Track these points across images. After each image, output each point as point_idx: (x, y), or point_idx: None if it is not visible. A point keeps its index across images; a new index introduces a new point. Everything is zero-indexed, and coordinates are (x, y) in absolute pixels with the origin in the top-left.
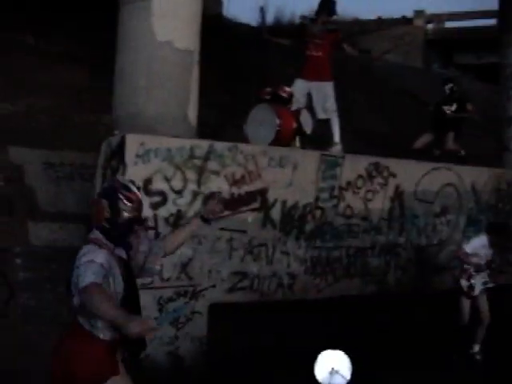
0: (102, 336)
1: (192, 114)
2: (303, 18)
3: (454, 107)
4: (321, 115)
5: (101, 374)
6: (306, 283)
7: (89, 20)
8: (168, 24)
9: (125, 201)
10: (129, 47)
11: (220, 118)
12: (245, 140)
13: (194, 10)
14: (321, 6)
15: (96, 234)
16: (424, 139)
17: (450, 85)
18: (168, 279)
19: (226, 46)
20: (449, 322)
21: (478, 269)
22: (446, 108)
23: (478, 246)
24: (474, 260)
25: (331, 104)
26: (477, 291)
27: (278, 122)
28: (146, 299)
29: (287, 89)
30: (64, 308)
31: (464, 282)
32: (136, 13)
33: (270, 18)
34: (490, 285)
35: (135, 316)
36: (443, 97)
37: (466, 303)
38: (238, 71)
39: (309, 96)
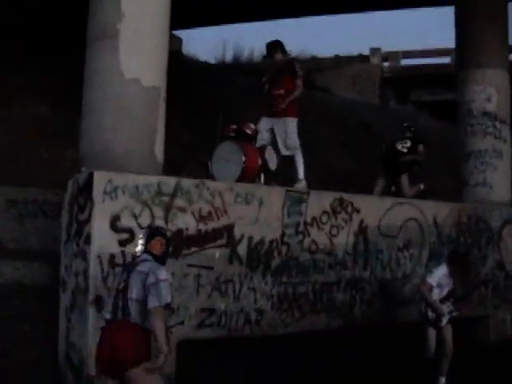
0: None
1: (159, 150)
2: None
3: (408, 144)
4: (284, 152)
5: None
6: (273, 319)
7: (52, 56)
8: (135, 61)
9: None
10: (96, 84)
11: (181, 155)
12: (207, 177)
13: (160, 48)
14: (270, 49)
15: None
16: (379, 187)
17: (406, 124)
18: None
19: (185, 82)
20: (415, 354)
21: (442, 299)
22: (399, 146)
23: (441, 276)
24: (437, 293)
25: (293, 141)
26: (444, 321)
27: (243, 158)
28: None
29: (252, 126)
30: (27, 346)
31: (430, 314)
32: (104, 50)
33: (228, 56)
34: (456, 313)
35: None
36: (399, 136)
37: (432, 335)
38: (198, 108)
39: (272, 132)
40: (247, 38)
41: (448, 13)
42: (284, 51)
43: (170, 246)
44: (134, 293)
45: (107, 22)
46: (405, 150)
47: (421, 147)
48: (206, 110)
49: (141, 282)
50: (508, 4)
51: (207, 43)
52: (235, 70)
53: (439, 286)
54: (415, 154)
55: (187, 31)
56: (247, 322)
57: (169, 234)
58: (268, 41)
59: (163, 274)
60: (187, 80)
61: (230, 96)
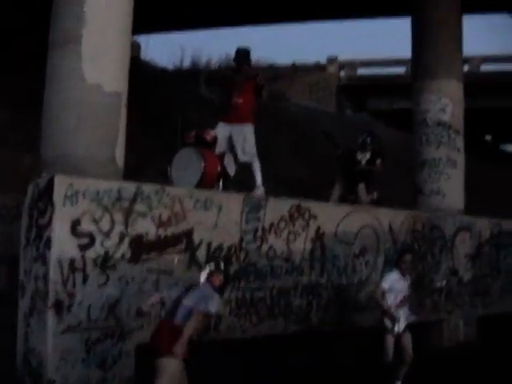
0: None
1: (119, 156)
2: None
3: (367, 156)
4: (242, 158)
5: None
6: (231, 323)
7: (12, 60)
8: (97, 67)
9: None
10: (58, 89)
11: (138, 160)
12: (167, 182)
13: (122, 54)
14: (240, 57)
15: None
16: (335, 195)
17: (366, 136)
18: (95, 320)
19: (143, 88)
20: (371, 360)
21: (398, 305)
22: (359, 156)
23: (393, 280)
24: (391, 298)
25: (251, 147)
26: (401, 327)
27: (203, 165)
28: (74, 340)
29: (211, 132)
30: None
31: (387, 321)
32: (66, 56)
33: (186, 63)
34: (413, 318)
35: None
36: (358, 144)
37: (390, 342)
38: (155, 114)
39: (230, 139)
40: (205, 45)
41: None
42: (250, 62)
43: (228, 280)
44: (190, 300)
45: (70, 27)
46: (363, 162)
47: (379, 161)
48: (163, 115)
49: (199, 294)
50: (463, 15)
51: (165, 49)
52: (192, 77)
53: (392, 290)
54: (373, 166)
55: (146, 36)
56: (205, 326)
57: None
58: (239, 47)
59: (217, 297)
60: (145, 86)
61: (186, 102)
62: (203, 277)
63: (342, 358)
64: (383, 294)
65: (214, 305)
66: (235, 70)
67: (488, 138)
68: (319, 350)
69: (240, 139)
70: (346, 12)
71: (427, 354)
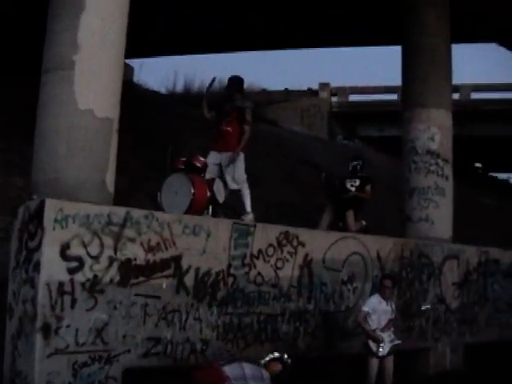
0: None
1: (110, 181)
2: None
3: (357, 183)
4: (231, 185)
5: None
6: (218, 348)
7: (2, 81)
8: (89, 92)
9: None
10: (50, 114)
11: (129, 185)
12: (156, 208)
13: (114, 80)
14: (232, 85)
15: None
16: (324, 222)
17: (355, 162)
18: (83, 344)
19: (135, 111)
20: None
21: (382, 328)
22: (348, 184)
23: (373, 303)
24: (375, 322)
25: (240, 174)
26: (386, 350)
27: (192, 191)
28: (61, 364)
29: (201, 158)
30: None
31: (372, 344)
32: (58, 80)
33: (179, 86)
34: (397, 342)
35: None
36: (348, 171)
37: (374, 365)
38: (147, 138)
39: (220, 167)
40: (198, 70)
41: (397, 52)
42: (243, 90)
43: (287, 370)
44: (249, 378)
45: (63, 53)
46: (353, 189)
47: (368, 187)
48: (154, 139)
49: (257, 376)
50: (452, 45)
51: (158, 73)
52: (185, 101)
53: (375, 313)
54: (362, 193)
55: (139, 60)
56: (192, 351)
57: (289, 361)
58: (232, 75)
59: None
60: (137, 109)
61: (179, 127)
62: (266, 359)
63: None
64: (365, 317)
65: None
66: (227, 97)
67: (478, 165)
68: (306, 375)
69: (230, 168)
70: (337, 40)
71: (412, 380)
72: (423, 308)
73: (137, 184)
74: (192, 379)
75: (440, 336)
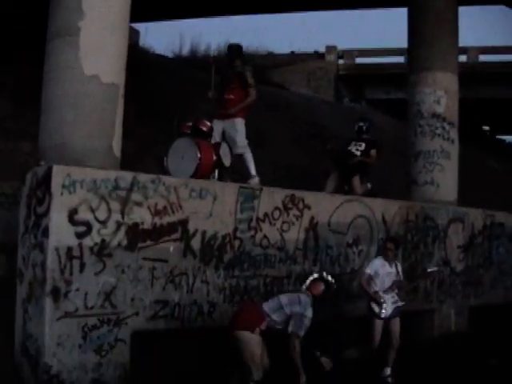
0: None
1: (116, 146)
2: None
3: (362, 147)
4: (234, 150)
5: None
6: (225, 311)
7: (12, 48)
8: (95, 58)
9: None
10: (56, 80)
11: (136, 149)
12: (163, 172)
13: (120, 45)
14: (233, 52)
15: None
16: (330, 186)
17: (361, 123)
18: (92, 307)
19: (141, 76)
20: (361, 346)
21: (385, 290)
22: (353, 147)
23: (376, 266)
24: (378, 284)
25: (241, 140)
26: (389, 311)
27: (198, 155)
28: (71, 327)
29: (207, 123)
30: None
31: (375, 305)
32: (63, 47)
33: (185, 50)
34: (400, 303)
35: None
36: (354, 132)
37: (378, 326)
38: (153, 102)
39: (223, 134)
40: (204, 33)
41: (404, 13)
42: (243, 58)
43: (331, 288)
44: (288, 309)
45: (68, 19)
46: (358, 153)
47: (373, 152)
48: (161, 104)
49: (294, 301)
50: (458, 8)
51: (164, 36)
52: (192, 65)
53: (377, 275)
54: (368, 157)
55: (145, 24)
56: (200, 313)
57: (330, 279)
58: (231, 42)
59: (309, 312)
60: (143, 74)
61: (185, 91)
62: (307, 283)
63: (334, 343)
64: (368, 279)
65: (303, 328)
66: (227, 65)
67: (485, 128)
68: (313, 337)
69: (232, 133)
70: (343, 2)
71: (418, 342)
72: (429, 270)
73: (145, 148)
74: (233, 322)
75: (445, 298)
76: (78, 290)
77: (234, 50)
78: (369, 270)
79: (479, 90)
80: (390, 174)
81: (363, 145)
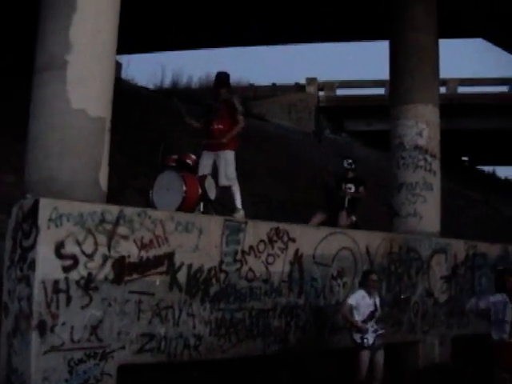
0: None
1: (103, 179)
2: (206, 102)
3: (352, 189)
4: (223, 182)
5: None
6: (211, 344)
7: None
8: (82, 92)
9: None
10: (43, 113)
11: (118, 182)
12: (148, 205)
13: (107, 78)
14: (220, 81)
15: None
16: (317, 219)
17: (350, 161)
18: (78, 341)
19: (123, 108)
20: (347, 378)
21: (364, 320)
22: (346, 187)
23: (358, 297)
24: (357, 316)
25: (231, 171)
26: (370, 340)
27: (184, 188)
28: (57, 361)
29: (193, 156)
30: None
31: (357, 335)
32: (51, 80)
33: (166, 82)
34: (381, 331)
35: None
36: (342, 173)
37: (365, 357)
38: (135, 134)
39: (214, 165)
40: (186, 65)
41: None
42: (229, 86)
43: None
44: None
45: (55, 52)
46: (351, 190)
47: (362, 189)
48: (141, 136)
49: None
50: (438, 40)
51: (146, 69)
52: (173, 97)
53: (358, 307)
54: (357, 193)
55: (127, 56)
56: (186, 347)
57: None
58: (219, 71)
59: None
60: (125, 106)
61: (166, 122)
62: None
63: (320, 377)
64: (350, 309)
65: None
66: (213, 94)
67: (464, 159)
68: (297, 369)
69: (222, 164)
70: (324, 35)
71: (403, 373)
72: (402, 296)
73: (125, 181)
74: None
75: (429, 329)
76: (64, 323)
77: (222, 78)
78: (351, 301)
79: (458, 121)
80: (372, 206)
81: (353, 187)
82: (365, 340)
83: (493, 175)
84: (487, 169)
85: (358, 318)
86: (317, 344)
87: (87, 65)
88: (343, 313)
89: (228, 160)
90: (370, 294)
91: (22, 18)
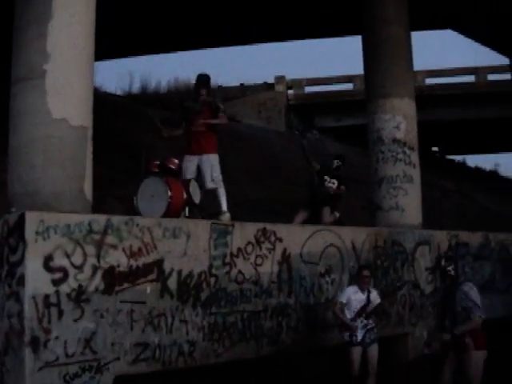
0: None
1: (88, 189)
2: (185, 101)
3: (335, 184)
4: (209, 185)
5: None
6: (205, 349)
7: None
8: (62, 101)
9: None
10: (23, 125)
11: (96, 189)
12: (133, 211)
13: (86, 86)
14: (200, 82)
15: None
16: (300, 218)
17: (340, 162)
18: (72, 355)
19: (95, 115)
20: (341, 375)
21: (354, 316)
22: (328, 183)
23: (350, 293)
24: (346, 314)
25: (217, 174)
26: (359, 337)
27: (169, 193)
28: (52, 376)
29: (175, 161)
30: None
31: (345, 333)
32: (29, 90)
33: (135, 87)
34: (370, 326)
35: None
36: (327, 168)
37: (355, 353)
38: (109, 141)
39: (198, 169)
40: (154, 69)
41: (352, 41)
42: (209, 88)
43: None
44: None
45: (33, 62)
46: (333, 187)
47: (343, 187)
48: (116, 143)
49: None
50: (411, 33)
51: (112, 75)
52: (142, 102)
53: (349, 302)
54: (338, 190)
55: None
56: (180, 354)
57: None
58: (200, 73)
59: None
60: (95, 113)
61: (138, 128)
62: None
63: (314, 375)
64: (341, 307)
65: None
66: (194, 97)
67: (435, 149)
68: (292, 369)
69: (208, 167)
70: (296, 32)
71: (393, 367)
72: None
73: (103, 189)
74: None
75: (417, 321)
76: (57, 338)
77: (203, 80)
78: (341, 299)
79: (427, 112)
80: (349, 202)
81: (336, 182)
82: (354, 337)
83: (464, 164)
84: (458, 158)
85: (349, 314)
86: (309, 343)
87: (66, 73)
88: (333, 310)
89: (213, 163)
90: (362, 289)
91: None
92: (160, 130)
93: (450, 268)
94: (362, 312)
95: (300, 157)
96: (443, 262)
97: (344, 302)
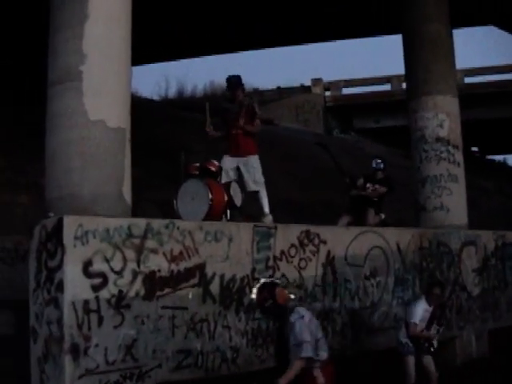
0: None
1: (127, 192)
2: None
3: (377, 186)
4: (252, 187)
5: None
6: (249, 355)
7: (7, 103)
8: (99, 103)
9: None
10: (60, 127)
11: (133, 194)
12: (174, 214)
13: (123, 89)
14: (234, 84)
15: None
16: (343, 222)
17: (379, 160)
18: (113, 362)
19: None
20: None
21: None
22: (370, 186)
23: (421, 312)
24: (426, 331)
25: (260, 176)
26: (435, 343)
27: (210, 196)
28: None
29: (215, 162)
30: None
31: (424, 345)
32: (66, 93)
33: (171, 92)
34: (441, 329)
35: None
36: (370, 173)
37: (411, 363)
38: (146, 146)
39: (238, 171)
40: (189, 73)
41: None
42: (243, 87)
43: None
44: None
45: (69, 63)
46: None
47: (378, 186)
48: (154, 147)
49: None
50: (452, 30)
51: (148, 80)
52: (179, 106)
53: (422, 319)
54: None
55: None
56: (223, 360)
57: None
58: (229, 75)
59: None
60: (132, 118)
61: (174, 132)
62: None
63: (362, 381)
64: (420, 328)
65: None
66: (230, 99)
67: (474, 149)
68: (338, 375)
69: (250, 169)
70: (334, 33)
71: (440, 372)
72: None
73: (140, 193)
74: None
75: (464, 324)
76: (97, 345)
77: (234, 82)
78: (417, 320)
79: (466, 111)
80: (393, 203)
81: (377, 185)
82: (431, 346)
83: (504, 164)
84: (498, 158)
85: (422, 327)
86: (355, 347)
87: (103, 74)
88: (415, 334)
89: (255, 165)
90: (430, 305)
91: (27, 33)
92: (205, 121)
93: None
94: (433, 319)
95: (339, 158)
96: None
97: (417, 322)
